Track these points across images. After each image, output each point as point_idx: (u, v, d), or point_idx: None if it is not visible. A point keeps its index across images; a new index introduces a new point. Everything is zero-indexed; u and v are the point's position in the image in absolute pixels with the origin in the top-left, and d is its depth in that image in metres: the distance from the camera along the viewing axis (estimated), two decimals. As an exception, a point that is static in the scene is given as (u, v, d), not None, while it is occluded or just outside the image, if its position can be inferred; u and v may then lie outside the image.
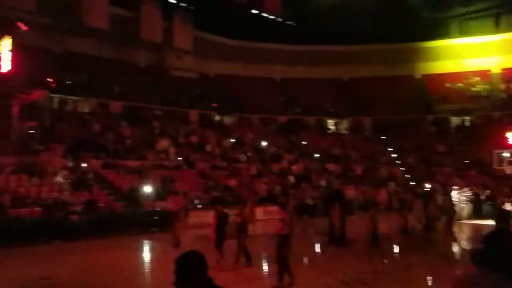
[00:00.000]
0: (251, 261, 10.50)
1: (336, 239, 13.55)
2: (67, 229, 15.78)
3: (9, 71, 21.62)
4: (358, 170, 29.32)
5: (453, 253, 12.78)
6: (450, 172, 27.79)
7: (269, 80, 37.11)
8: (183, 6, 33.32)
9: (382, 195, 23.70)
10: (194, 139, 27.56)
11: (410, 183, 26.14)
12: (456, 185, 22.83)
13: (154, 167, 22.58)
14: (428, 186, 23.70)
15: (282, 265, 8.54)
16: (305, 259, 11.31)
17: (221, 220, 10.68)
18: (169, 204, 13.67)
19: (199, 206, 20.28)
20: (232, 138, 29.89)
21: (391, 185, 24.70)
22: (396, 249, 11.88)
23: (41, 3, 26.00)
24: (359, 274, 9.56)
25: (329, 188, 25.10)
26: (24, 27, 22.49)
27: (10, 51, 21.48)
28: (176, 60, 33.35)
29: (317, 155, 30.90)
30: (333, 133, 35.61)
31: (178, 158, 24.67)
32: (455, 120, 34.43)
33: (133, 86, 29.42)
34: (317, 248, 13.24)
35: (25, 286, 9.35)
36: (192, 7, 33.32)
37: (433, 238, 14.72)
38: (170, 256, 11.12)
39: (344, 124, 36.22)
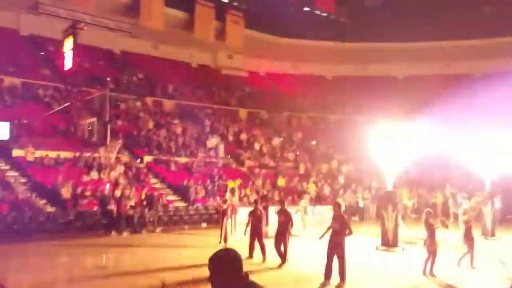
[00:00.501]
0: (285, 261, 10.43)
1: (388, 243, 13.06)
2: (122, 222, 16.40)
3: (70, 69, 22.80)
4: (413, 172, 28.14)
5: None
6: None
7: (320, 79, 36.58)
8: (235, 6, 33.61)
9: (438, 199, 22.68)
10: (243, 137, 27.72)
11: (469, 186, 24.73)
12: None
13: (204, 164, 22.95)
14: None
15: (330, 265, 8.44)
16: (355, 263, 10.95)
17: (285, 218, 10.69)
18: (217, 201, 13.82)
19: (248, 204, 20.32)
20: (281, 137, 29.75)
21: (448, 188, 23.49)
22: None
23: (100, 5, 27.18)
24: (411, 279, 9.13)
25: (381, 190, 24.37)
26: (85, 27, 23.62)
27: (72, 50, 22.63)
28: (227, 59, 33.70)
29: (369, 157, 29.98)
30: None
31: (227, 156, 24.92)
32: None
33: (186, 85, 30.08)
34: (368, 252, 12.80)
35: (82, 276, 9.75)
36: (244, 6, 33.52)
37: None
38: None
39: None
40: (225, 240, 13.22)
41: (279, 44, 36.43)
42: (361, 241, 14.99)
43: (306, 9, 33.58)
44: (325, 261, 8.60)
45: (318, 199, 22.77)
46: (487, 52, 33.51)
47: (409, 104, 33.71)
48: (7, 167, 17.68)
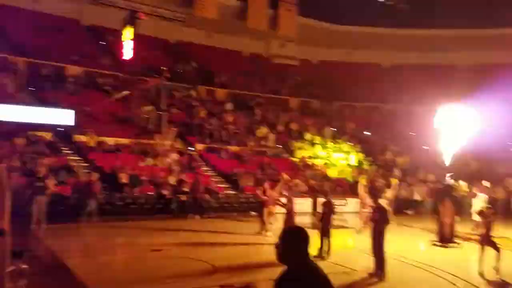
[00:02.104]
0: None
1: (445, 239, 12.51)
2: (176, 207, 16.95)
3: (130, 58, 23.64)
4: (473, 164, 26.71)
5: None
6: None
7: (375, 67, 35.41)
8: (289, -7, 33.22)
9: (499, 193, 21.39)
10: (294, 126, 27.52)
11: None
12: None
13: (254, 153, 23.07)
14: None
15: (378, 257, 8.37)
16: (409, 258, 10.60)
17: (328, 209, 10.56)
18: (266, 190, 13.75)
19: (297, 194, 20.24)
20: (333, 127, 29.24)
21: (510, 182, 22.09)
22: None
23: (157, -6, 27.85)
24: (468, 277, 8.70)
25: (439, 183, 23.37)
26: (144, 17, 24.34)
27: (131, 40, 23.42)
28: (279, 48, 33.47)
29: (426, 148, 28.82)
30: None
31: (278, 146, 24.87)
32: None
33: (238, 74, 30.25)
34: (423, 247, 12.34)
35: (138, 256, 10.18)
36: (298, -6, 33.05)
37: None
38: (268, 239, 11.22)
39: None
40: (266, 229, 12.95)
41: (332, 31, 35.61)
42: (416, 236, 14.50)
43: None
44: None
45: (371, 191, 22.19)
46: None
47: (470, 94, 31.88)
48: (70, 151, 18.72)
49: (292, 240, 2.75)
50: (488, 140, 28.52)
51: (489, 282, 8.68)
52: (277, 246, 2.75)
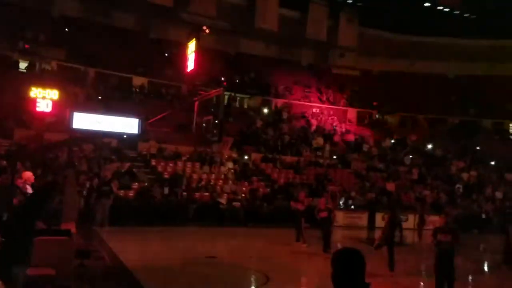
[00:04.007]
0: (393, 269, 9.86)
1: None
2: (230, 215, 17.22)
3: (192, 70, 24.51)
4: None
5: None
6: None
7: (440, 78, 33.94)
8: (349, 3, 32.85)
9: None
10: (351, 137, 27.01)
11: None
12: None
13: (309, 164, 22.90)
14: None
15: (447, 278, 7.52)
16: (470, 278, 10.00)
17: (393, 224, 10.27)
18: (303, 200, 13.54)
19: (352, 207, 19.82)
20: (393, 139, 28.34)
21: None
22: None
23: (220, 8, 28.68)
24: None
25: (507, 202, 21.93)
26: (208, 31, 25.17)
27: (194, 52, 24.31)
28: (338, 58, 33.11)
29: (493, 163, 27.11)
30: (516, 138, 30.74)
31: (334, 157, 24.51)
32: None
33: (295, 84, 30.30)
34: (487, 268, 11.58)
35: (194, 262, 10.47)
36: (359, 3, 32.57)
37: None
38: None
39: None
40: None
41: (394, 41, 34.68)
42: (482, 257, 13.65)
43: (426, 4, 31.38)
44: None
45: (433, 207, 21.22)
46: None
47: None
48: (134, 158, 19.68)
49: (345, 264, 2.54)
50: None
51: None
52: (333, 268, 2.55)
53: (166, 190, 17.19)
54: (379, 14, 31.85)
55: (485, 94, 30.99)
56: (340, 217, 17.07)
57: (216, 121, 22.62)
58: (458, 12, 32.14)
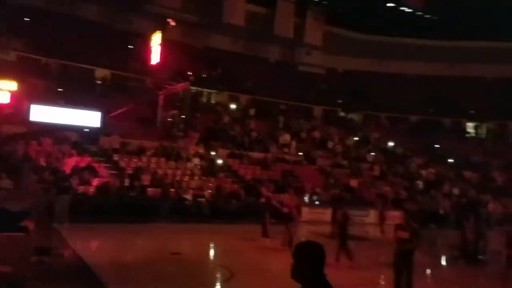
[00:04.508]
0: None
1: (468, 256, 12.17)
2: (196, 211, 17.07)
3: (157, 63, 24.06)
4: (500, 180, 25.98)
5: None
6: None
7: (402, 77, 34.96)
8: (316, 1, 33.21)
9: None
10: (316, 135, 27.38)
11: None
12: None
13: (276, 160, 23.04)
14: None
15: (406, 272, 7.68)
16: (428, 272, 10.36)
17: (346, 220, 10.58)
18: (267, 196, 13.62)
19: (317, 203, 20.10)
20: (357, 136, 28.95)
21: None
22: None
23: (186, 1, 28.31)
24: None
25: (464, 198, 22.81)
26: (173, 23, 24.73)
27: (159, 45, 23.85)
28: (305, 56, 33.46)
29: (451, 161, 28.23)
30: (472, 137, 32.14)
31: (299, 153, 24.77)
32: None
33: (262, 81, 30.37)
34: (444, 262, 12.04)
35: (158, 259, 10.30)
36: (325, 2, 32.99)
37: None
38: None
39: (485, 128, 32.50)
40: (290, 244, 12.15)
41: (359, 41, 35.41)
42: (439, 251, 14.17)
43: (390, 4, 32.19)
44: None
45: (393, 203, 21.84)
46: None
47: (500, 107, 31.10)
48: (95, 152, 19.13)
49: (306, 256, 2.59)
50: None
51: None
52: (292, 262, 2.62)
53: (127, 183, 16.76)
54: (345, 13, 32.40)
55: (445, 94, 32.17)
56: (305, 213, 17.25)
57: (182, 116, 22.48)
58: (420, 13, 33.14)
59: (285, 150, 24.55)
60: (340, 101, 31.86)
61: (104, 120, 19.93)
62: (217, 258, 10.76)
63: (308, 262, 2.57)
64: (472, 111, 32.29)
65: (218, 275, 9.41)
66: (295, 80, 32.24)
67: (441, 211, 21.83)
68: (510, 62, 32.17)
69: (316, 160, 24.74)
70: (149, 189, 17.34)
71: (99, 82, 23.67)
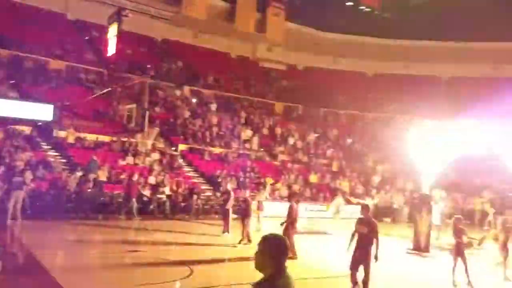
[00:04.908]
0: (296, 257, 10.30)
1: (420, 248, 12.72)
2: (155, 207, 16.81)
3: (113, 55, 23.35)
4: (452, 175, 27.20)
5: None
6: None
7: (360, 75, 35.85)
8: (277, -3, 33.40)
9: (476, 205, 21.90)
10: (277, 131, 27.62)
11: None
12: None
13: (237, 156, 23.06)
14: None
15: (363, 266, 7.78)
16: (384, 267, 10.72)
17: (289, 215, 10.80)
18: (240, 194, 13.72)
19: (278, 198, 20.32)
20: (316, 133, 29.44)
21: (486, 194, 22.60)
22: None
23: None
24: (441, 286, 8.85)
25: (416, 193, 23.70)
26: (130, 14, 24.05)
27: (116, 36, 23.15)
28: (266, 52, 33.60)
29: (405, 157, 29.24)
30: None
31: (261, 149, 24.92)
32: None
33: (224, 76, 30.24)
34: (399, 256, 12.50)
35: (115, 256, 10.08)
36: (286, -1, 33.26)
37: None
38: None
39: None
40: (249, 239, 12.16)
41: (319, 38, 35.94)
42: (392, 244, 14.68)
43: (349, 3, 32.87)
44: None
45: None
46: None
47: (453, 106, 32.51)
48: (49, 147, 18.41)
49: (270, 249, 2.72)
50: (467, 151, 29.12)
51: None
52: (256, 253, 2.75)
53: (78, 175, 16.23)
54: (306, 10, 32.78)
55: (401, 92, 33.24)
56: (266, 208, 17.39)
57: (140, 110, 21.99)
58: (378, 12, 34.05)
59: (247, 145, 24.61)
60: (300, 98, 32.23)
61: (56, 113, 19.18)
62: (176, 255, 10.64)
63: (272, 254, 2.71)
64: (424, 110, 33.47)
65: (177, 272, 9.32)
66: (256, 75, 32.32)
67: (395, 206, 22.64)
68: (463, 62, 33.63)
69: (277, 155, 24.98)
70: (106, 185, 16.91)
71: (53, 74, 22.71)
